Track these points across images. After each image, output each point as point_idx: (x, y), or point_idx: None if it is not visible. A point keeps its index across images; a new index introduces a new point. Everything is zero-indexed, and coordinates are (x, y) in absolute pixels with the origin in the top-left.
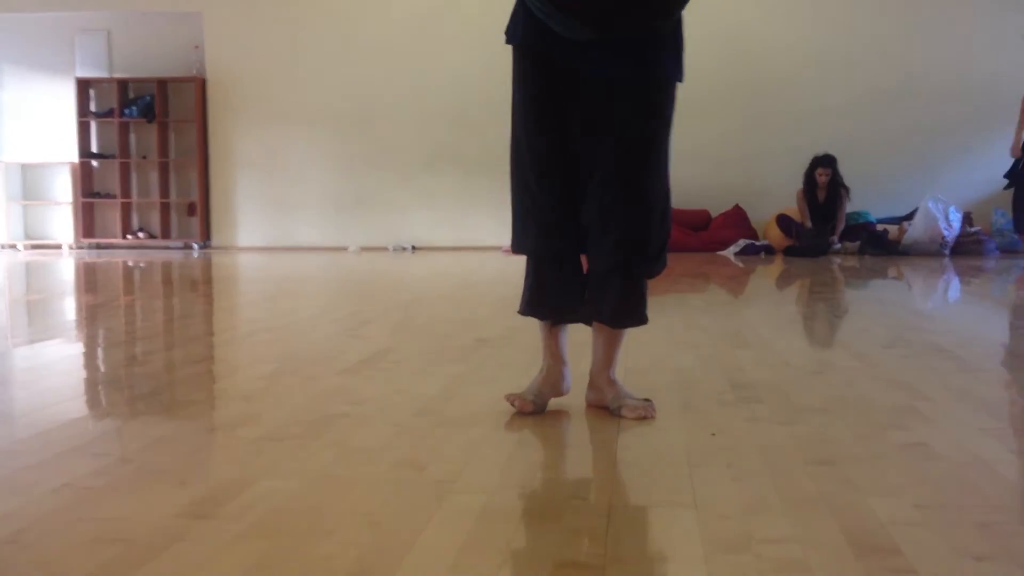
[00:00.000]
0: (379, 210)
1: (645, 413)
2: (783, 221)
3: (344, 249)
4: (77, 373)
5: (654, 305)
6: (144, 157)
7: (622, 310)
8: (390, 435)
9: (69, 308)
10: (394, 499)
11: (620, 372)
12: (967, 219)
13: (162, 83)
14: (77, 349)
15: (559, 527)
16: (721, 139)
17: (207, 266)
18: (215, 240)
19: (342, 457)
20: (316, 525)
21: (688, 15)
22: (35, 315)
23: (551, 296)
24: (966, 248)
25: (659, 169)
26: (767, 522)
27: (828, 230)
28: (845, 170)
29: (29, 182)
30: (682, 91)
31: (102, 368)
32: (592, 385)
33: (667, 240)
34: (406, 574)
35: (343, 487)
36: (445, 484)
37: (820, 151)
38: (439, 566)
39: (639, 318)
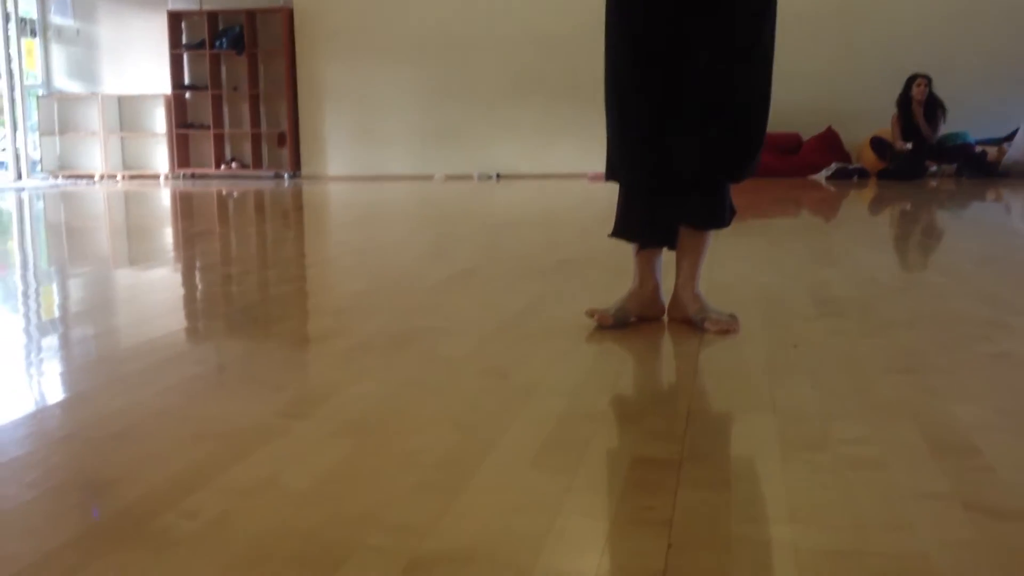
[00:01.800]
0: (464, 139)
1: (728, 327)
2: (877, 143)
3: (430, 177)
4: (175, 291)
5: (741, 229)
6: (235, 88)
7: (706, 211)
8: (475, 346)
9: (167, 235)
10: (478, 403)
11: (704, 288)
12: None
13: (251, 14)
14: (175, 270)
15: (638, 428)
16: (813, 59)
17: (297, 194)
18: (305, 170)
19: (428, 365)
20: (404, 425)
21: None
22: (135, 241)
23: (640, 222)
24: None
25: (753, 73)
26: (846, 426)
27: (923, 153)
28: (942, 90)
29: (126, 114)
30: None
31: (199, 287)
32: (675, 299)
33: (757, 147)
34: (490, 468)
35: (430, 392)
36: (528, 389)
37: (913, 70)
38: (521, 461)
39: (722, 220)
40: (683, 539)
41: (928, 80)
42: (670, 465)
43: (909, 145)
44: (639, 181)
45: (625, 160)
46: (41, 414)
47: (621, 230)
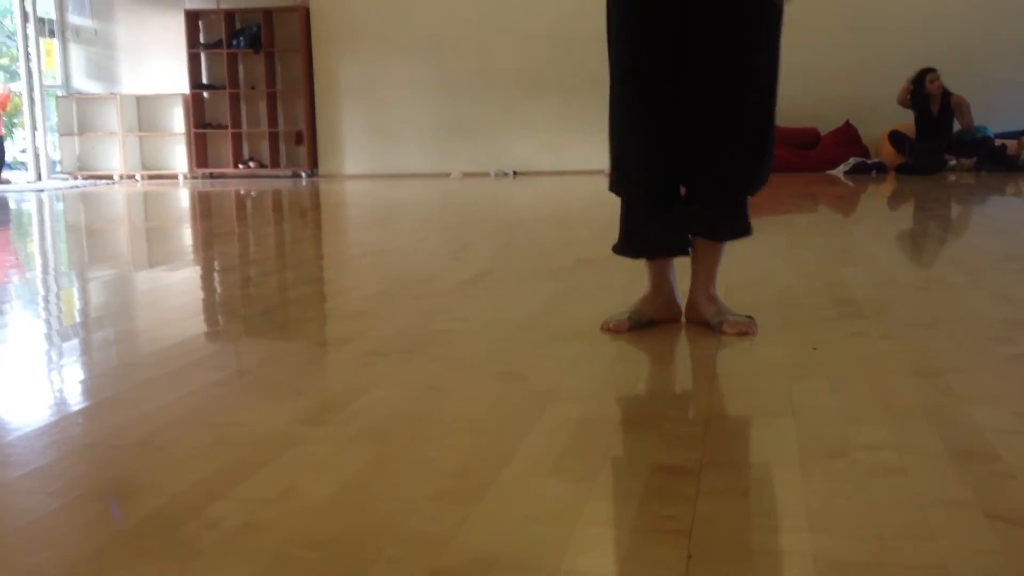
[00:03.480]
0: (481, 136)
1: (746, 329)
2: (896, 137)
3: (447, 175)
4: (195, 294)
5: (758, 226)
6: (252, 87)
7: (724, 223)
8: (492, 349)
9: (186, 235)
10: (497, 408)
11: (721, 289)
12: None
13: (267, 13)
14: (195, 272)
15: (657, 434)
16: (830, 52)
17: (315, 193)
18: (322, 168)
19: (446, 370)
20: (423, 431)
21: None
22: (154, 242)
23: (649, 236)
24: None
25: (758, 85)
26: (865, 430)
27: (942, 147)
28: (960, 82)
29: (144, 114)
30: (792, 4)
31: (219, 289)
32: (692, 302)
33: (768, 158)
34: (508, 476)
35: (448, 397)
36: (546, 394)
37: (931, 64)
38: (540, 468)
39: (742, 229)
40: (702, 549)
41: (937, 73)
42: (689, 473)
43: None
44: (646, 198)
45: (632, 176)
46: (64, 422)
47: (626, 247)
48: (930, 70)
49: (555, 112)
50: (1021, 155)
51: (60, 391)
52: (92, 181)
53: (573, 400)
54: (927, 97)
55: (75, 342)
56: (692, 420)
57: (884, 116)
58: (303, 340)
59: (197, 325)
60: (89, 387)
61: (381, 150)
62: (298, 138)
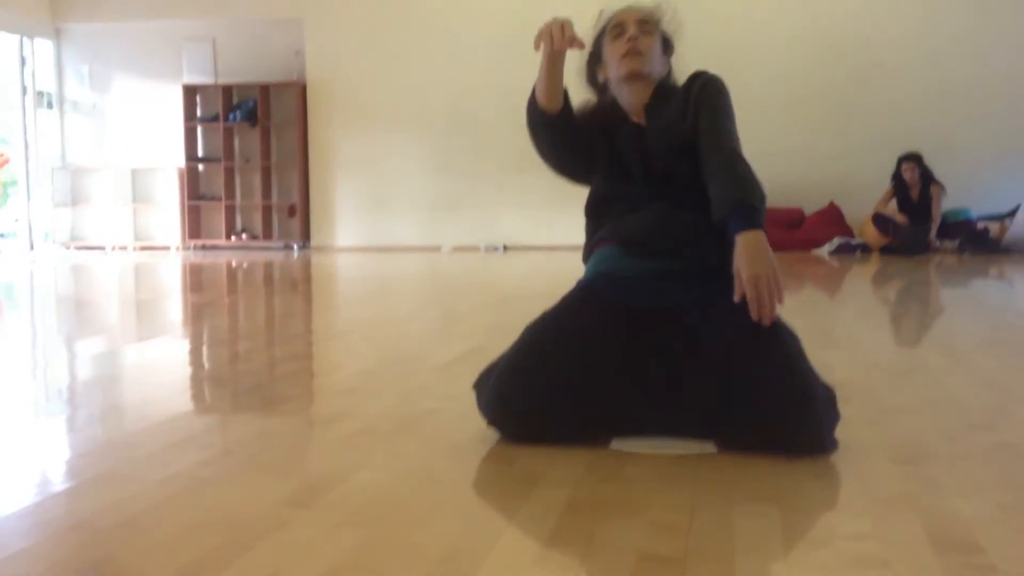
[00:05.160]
0: (472, 210)
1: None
2: (879, 219)
3: (438, 248)
4: (183, 370)
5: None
6: (247, 160)
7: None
8: (480, 430)
9: (176, 307)
10: (484, 492)
11: None
12: None
13: (264, 88)
14: (184, 347)
15: (642, 521)
16: (815, 135)
17: (306, 266)
18: (314, 240)
19: (434, 451)
20: (409, 515)
21: (782, 10)
22: (144, 314)
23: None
24: None
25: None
26: (848, 519)
27: (925, 229)
28: (944, 166)
29: (139, 186)
30: (776, 88)
31: (207, 365)
32: None
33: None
34: (494, 563)
35: (435, 480)
36: (533, 478)
37: (916, 147)
38: (525, 556)
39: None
40: None
41: (917, 160)
42: (674, 563)
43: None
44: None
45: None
46: (48, 502)
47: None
48: (906, 158)
49: (545, 188)
50: (1003, 238)
51: (44, 469)
52: (84, 252)
53: (559, 485)
54: (906, 184)
55: (61, 418)
56: (677, 506)
57: (867, 198)
58: (291, 418)
59: (184, 402)
60: (74, 466)
61: (373, 223)
62: (291, 210)
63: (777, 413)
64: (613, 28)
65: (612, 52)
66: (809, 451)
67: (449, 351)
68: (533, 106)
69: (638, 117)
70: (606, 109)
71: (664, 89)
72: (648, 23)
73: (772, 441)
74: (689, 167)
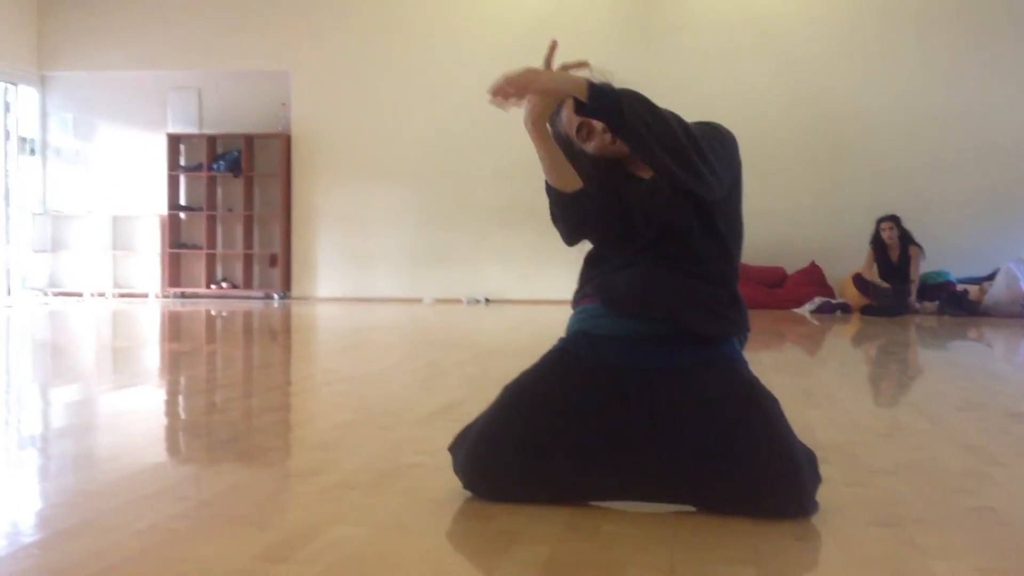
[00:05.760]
0: (454, 263)
1: None
2: (860, 280)
3: (419, 301)
4: (160, 420)
5: None
6: (230, 210)
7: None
8: (459, 486)
9: (154, 355)
10: (462, 548)
11: None
12: None
13: (249, 139)
14: (161, 396)
15: None
16: (798, 196)
17: (286, 316)
18: (295, 291)
19: (412, 506)
20: (385, 572)
21: (767, 75)
22: (121, 362)
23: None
24: None
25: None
26: None
27: (905, 290)
28: (925, 230)
29: (120, 233)
30: (760, 149)
31: (184, 415)
32: None
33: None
34: None
35: (412, 535)
36: (512, 535)
37: (896, 210)
38: None
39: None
40: None
41: (895, 221)
42: None
43: (886, 285)
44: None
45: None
46: (19, 554)
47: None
48: (884, 219)
49: (528, 242)
50: (982, 301)
51: (16, 520)
52: (62, 298)
53: (539, 542)
54: (885, 246)
55: (34, 467)
56: (657, 566)
57: (847, 259)
58: (268, 470)
59: (159, 452)
60: (46, 516)
61: (355, 274)
62: (272, 260)
63: (758, 478)
64: (578, 129)
65: (580, 144)
66: (790, 514)
67: (429, 404)
68: (557, 194)
69: (635, 167)
70: (601, 166)
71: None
72: None
73: (754, 505)
74: (692, 221)
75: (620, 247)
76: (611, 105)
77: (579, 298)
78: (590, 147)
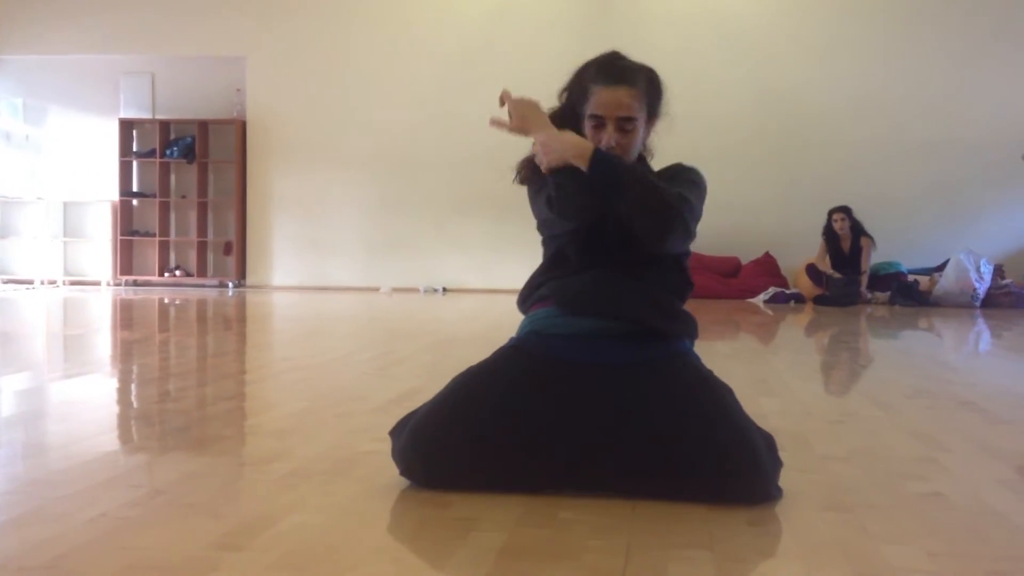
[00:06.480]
0: (411, 252)
1: None
2: (813, 270)
3: (376, 290)
4: (112, 408)
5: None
6: (183, 196)
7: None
8: None
9: (105, 344)
10: (418, 535)
11: None
12: (999, 271)
13: (203, 125)
14: (112, 384)
15: (577, 566)
16: (753, 187)
17: (241, 304)
18: (250, 279)
19: (369, 493)
20: (342, 559)
21: (723, 66)
22: (72, 350)
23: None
24: (997, 301)
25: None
26: (781, 566)
27: (856, 280)
28: (876, 221)
29: (70, 219)
30: (715, 142)
31: (136, 403)
32: None
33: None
34: None
35: (369, 522)
36: (468, 521)
37: (848, 201)
38: None
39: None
40: None
41: (846, 211)
42: None
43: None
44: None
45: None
46: None
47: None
48: (836, 210)
49: (486, 231)
50: (932, 291)
51: None
52: (11, 285)
53: (495, 528)
54: (837, 237)
55: None
56: (612, 551)
57: (801, 249)
58: (222, 459)
59: (111, 441)
60: None
61: (311, 262)
62: (227, 248)
63: (717, 464)
64: (591, 117)
65: (589, 136)
66: (756, 500)
67: (386, 393)
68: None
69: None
70: None
71: (641, 163)
72: (629, 120)
73: (716, 492)
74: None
75: (590, 243)
76: (611, 177)
77: (531, 303)
78: (596, 140)
